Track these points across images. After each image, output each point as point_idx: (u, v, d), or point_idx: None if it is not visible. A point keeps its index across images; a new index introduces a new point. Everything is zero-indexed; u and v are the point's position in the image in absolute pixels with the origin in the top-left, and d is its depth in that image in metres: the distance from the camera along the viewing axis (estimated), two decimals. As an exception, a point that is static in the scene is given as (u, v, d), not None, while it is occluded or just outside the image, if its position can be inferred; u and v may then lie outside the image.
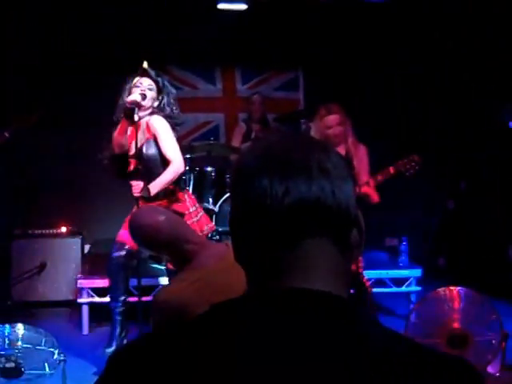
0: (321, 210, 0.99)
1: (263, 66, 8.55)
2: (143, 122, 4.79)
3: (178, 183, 4.95)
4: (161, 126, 4.75)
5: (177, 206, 4.81)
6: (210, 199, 6.90)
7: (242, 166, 1.07)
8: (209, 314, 0.99)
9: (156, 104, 4.84)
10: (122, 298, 5.05)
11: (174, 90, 5.01)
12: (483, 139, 7.30)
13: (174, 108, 4.91)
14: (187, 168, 7.04)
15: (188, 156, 7.07)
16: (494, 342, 4.34)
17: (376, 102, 7.76)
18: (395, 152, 7.44)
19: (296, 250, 1.00)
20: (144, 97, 4.68)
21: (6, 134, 5.71)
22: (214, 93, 8.62)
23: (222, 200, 6.76)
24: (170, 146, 4.76)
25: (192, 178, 6.97)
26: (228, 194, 6.67)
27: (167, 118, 4.81)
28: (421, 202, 7.70)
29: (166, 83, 4.93)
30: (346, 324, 0.95)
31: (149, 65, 4.94)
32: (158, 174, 4.74)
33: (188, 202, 4.94)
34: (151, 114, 4.82)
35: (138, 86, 4.78)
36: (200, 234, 4.75)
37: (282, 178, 0.99)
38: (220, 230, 6.48)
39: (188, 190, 5.14)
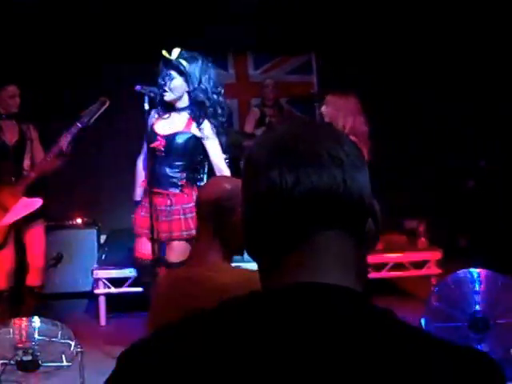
0: (332, 199, 0.96)
1: (275, 51, 8.50)
2: (184, 113, 4.73)
3: (191, 178, 4.86)
4: (209, 131, 4.72)
5: (183, 198, 4.74)
6: (226, 186, 6.87)
7: (251, 158, 1.04)
8: (220, 310, 0.96)
9: (186, 97, 4.71)
10: None
11: (211, 74, 4.74)
12: (501, 117, 7.23)
13: (213, 96, 4.71)
14: (201, 156, 7.02)
15: (202, 143, 7.06)
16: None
17: (389, 85, 7.70)
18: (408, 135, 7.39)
19: (307, 242, 0.97)
20: (162, 89, 4.60)
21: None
22: (227, 78, 8.54)
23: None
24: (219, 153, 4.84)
25: (206, 164, 6.93)
26: (243, 181, 6.63)
27: (207, 110, 4.69)
28: (440, 182, 7.64)
29: (194, 69, 4.65)
30: (358, 318, 0.92)
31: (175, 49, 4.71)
32: (177, 165, 4.72)
33: (192, 197, 4.74)
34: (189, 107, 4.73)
35: (162, 77, 4.64)
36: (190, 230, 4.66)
37: (291, 167, 0.96)
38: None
39: (193, 185, 4.94)
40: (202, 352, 0.89)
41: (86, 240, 6.87)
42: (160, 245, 4.73)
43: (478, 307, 4.36)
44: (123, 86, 5.12)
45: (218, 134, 4.76)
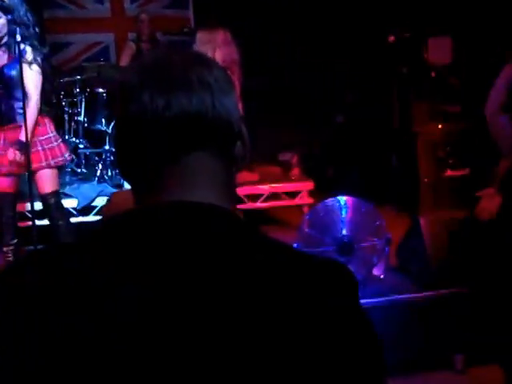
0: (202, 122, 0.99)
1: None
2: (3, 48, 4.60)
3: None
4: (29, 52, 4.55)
5: (37, 130, 4.65)
6: (103, 120, 6.85)
7: (123, 83, 1.04)
8: (92, 233, 0.99)
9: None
10: (14, 241, 4.93)
11: (25, 5, 4.55)
12: (364, 54, 7.50)
13: (35, 28, 4.59)
14: (78, 90, 6.95)
15: (78, 77, 6.96)
16: (378, 246, 4.58)
17: (262, 20, 7.80)
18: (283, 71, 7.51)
19: (178, 164, 1.00)
20: None
21: None
22: (103, 12, 8.43)
23: (114, 121, 6.70)
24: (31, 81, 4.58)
25: (83, 99, 6.88)
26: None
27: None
28: (311, 116, 7.85)
29: (14, 4, 4.49)
30: (227, 235, 0.95)
31: None
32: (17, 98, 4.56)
33: (48, 127, 4.78)
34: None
35: None
36: (61, 158, 4.77)
37: (162, 91, 0.98)
38: (113, 150, 6.45)
39: (47, 116, 4.85)
40: (76, 271, 0.91)
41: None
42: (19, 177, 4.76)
43: (344, 232, 4.64)
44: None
45: (40, 65, 4.62)
